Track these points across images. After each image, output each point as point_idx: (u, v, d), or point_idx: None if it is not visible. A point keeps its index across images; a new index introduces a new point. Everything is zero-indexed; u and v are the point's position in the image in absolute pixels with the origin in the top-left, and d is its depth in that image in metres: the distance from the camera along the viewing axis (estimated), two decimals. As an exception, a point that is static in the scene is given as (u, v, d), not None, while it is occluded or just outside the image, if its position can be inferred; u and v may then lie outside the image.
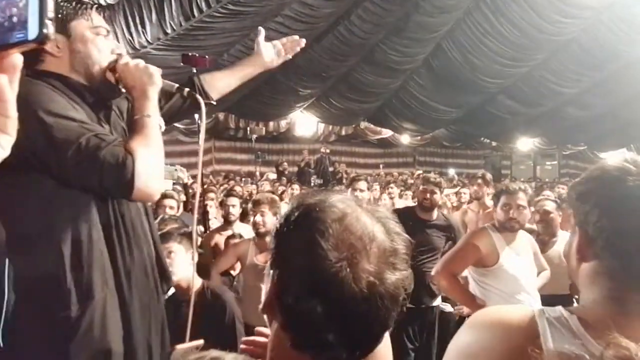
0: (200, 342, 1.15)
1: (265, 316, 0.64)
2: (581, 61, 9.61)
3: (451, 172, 14.48)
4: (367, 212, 0.59)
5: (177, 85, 1.24)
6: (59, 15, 1.07)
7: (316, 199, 0.60)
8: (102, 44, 1.14)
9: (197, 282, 1.89)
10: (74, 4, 1.13)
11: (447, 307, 3.09)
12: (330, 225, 0.56)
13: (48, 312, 1.00)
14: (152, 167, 1.03)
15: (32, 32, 0.34)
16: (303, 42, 1.55)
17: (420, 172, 13.64)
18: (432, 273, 2.26)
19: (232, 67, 1.56)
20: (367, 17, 8.40)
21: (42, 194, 1.01)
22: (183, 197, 4.52)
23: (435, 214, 3.09)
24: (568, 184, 8.00)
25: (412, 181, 11.01)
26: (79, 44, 1.10)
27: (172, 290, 1.96)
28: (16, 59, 0.36)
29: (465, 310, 2.37)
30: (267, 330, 0.78)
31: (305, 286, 0.55)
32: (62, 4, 1.10)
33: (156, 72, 1.15)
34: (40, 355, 1.00)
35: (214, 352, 0.67)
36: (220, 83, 1.49)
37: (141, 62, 1.15)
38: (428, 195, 3.02)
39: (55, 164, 0.98)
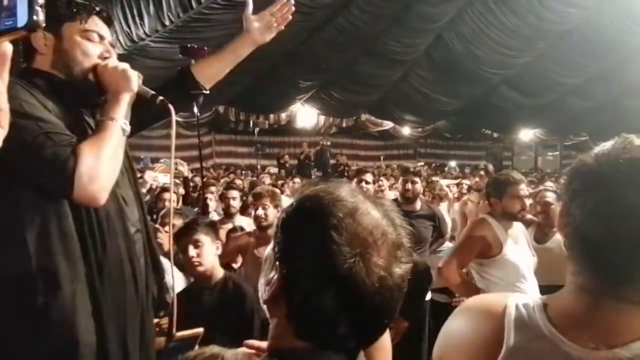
0: (200, 330, 1.15)
1: (266, 307, 0.64)
2: (583, 51, 9.53)
3: (452, 163, 14.46)
4: (375, 205, 0.60)
5: (152, 92, 1.22)
6: (53, 15, 1.07)
7: (324, 192, 0.59)
8: (89, 48, 1.14)
9: (220, 273, 1.93)
10: (71, 6, 1.13)
11: (442, 298, 3.09)
12: (343, 220, 0.56)
13: (15, 303, 1.02)
14: (97, 170, 1.01)
15: (22, 19, 0.33)
16: (292, 3, 1.46)
17: (422, 163, 13.63)
18: (440, 265, 2.26)
19: (222, 50, 1.47)
20: (366, 8, 8.32)
21: (12, 186, 1.02)
22: (182, 191, 4.50)
23: (418, 204, 3.05)
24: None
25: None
26: (65, 45, 1.12)
27: (183, 281, 1.98)
28: (6, 47, 0.35)
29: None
30: (256, 343, 0.80)
31: (318, 281, 0.55)
32: (58, 3, 1.11)
33: (134, 77, 1.14)
34: (9, 345, 1.01)
35: (216, 348, 0.67)
36: (211, 70, 1.44)
37: (121, 65, 1.14)
38: (409, 186, 2.97)
39: (10, 160, 0.97)
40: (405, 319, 2.26)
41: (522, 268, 2.20)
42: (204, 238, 1.88)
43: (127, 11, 5.89)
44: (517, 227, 2.32)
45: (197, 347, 1.14)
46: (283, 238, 0.60)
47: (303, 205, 0.59)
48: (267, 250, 1.84)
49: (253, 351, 0.78)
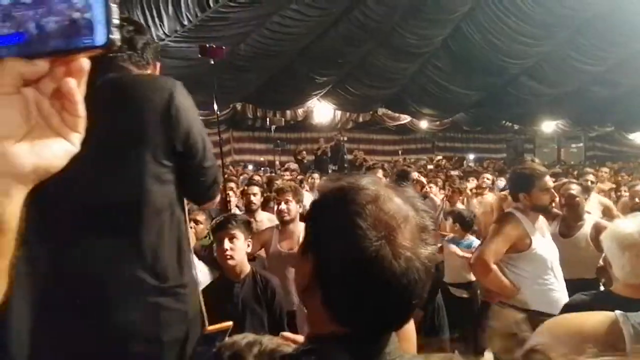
0: (230, 323, 1.19)
1: (300, 297, 0.67)
2: (605, 39, 9.24)
3: (471, 157, 14.24)
4: (397, 192, 0.63)
5: None
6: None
7: (347, 182, 0.63)
8: None
9: (247, 268, 2.00)
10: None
11: (463, 293, 3.07)
12: (366, 206, 0.59)
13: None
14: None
15: (100, 38, 0.37)
16: None
17: (440, 157, 13.47)
18: (471, 262, 2.25)
19: None
20: (382, 0, 8.25)
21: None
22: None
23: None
24: (595, 167, 7.76)
25: (431, 167, 10.88)
26: None
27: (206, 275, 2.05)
28: (84, 62, 0.39)
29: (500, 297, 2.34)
30: (291, 335, 0.83)
31: (348, 266, 0.58)
32: None
33: None
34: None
35: (251, 335, 0.69)
36: None
37: None
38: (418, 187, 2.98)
39: (197, 160, 1.16)
40: (420, 308, 2.27)
41: (550, 261, 2.17)
42: (239, 234, 1.94)
43: (147, 12, 6.00)
44: (541, 219, 2.29)
45: (226, 339, 1.18)
46: (311, 229, 0.64)
47: (327, 196, 0.63)
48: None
49: (282, 340, 0.80)
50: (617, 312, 0.66)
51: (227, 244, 1.90)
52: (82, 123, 0.41)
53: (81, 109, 0.40)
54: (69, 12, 0.37)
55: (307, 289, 0.62)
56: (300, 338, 0.81)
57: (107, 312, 1.06)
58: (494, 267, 2.14)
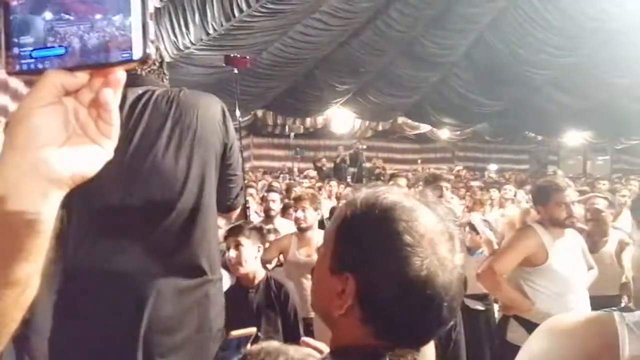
0: (253, 329, 1.20)
1: (317, 314, 0.65)
2: (634, 50, 8.99)
3: (493, 167, 13.99)
4: (421, 202, 0.62)
5: None
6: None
7: (378, 199, 0.61)
8: None
9: (262, 273, 2.00)
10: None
11: (477, 305, 3.01)
12: (409, 222, 0.58)
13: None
14: None
15: (137, 53, 0.40)
16: None
17: (460, 167, 13.29)
18: (478, 272, 2.21)
19: None
20: (406, 11, 8.27)
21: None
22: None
23: None
24: (622, 180, 7.50)
25: (450, 177, 10.73)
26: None
27: (228, 280, 2.09)
28: (120, 74, 0.42)
29: (512, 309, 2.30)
30: (312, 342, 0.82)
31: (398, 284, 0.57)
32: None
33: None
34: None
35: (275, 343, 0.69)
36: None
37: None
38: (437, 193, 2.89)
39: (232, 167, 1.28)
40: None
41: (573, 280, 2.09)
42: (245, 241, 1.93)
43: (174, 21, 6.18)
44: (572, 236, 2.20)
45: (249, 345, 1.19)
46: (349, 248, 0.60)
47: (363, 214, 0.61)
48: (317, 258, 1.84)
49: (309, 349, 0.78)
50: (616, 313, 0.64)
51: (232, 251, 1.91)
52: (116, 131, 0.42)
53: (115, 118, 0.42)
54: (110, 29, 0.40)
55: (347, 311, 0.59)
56: (322, 346, 0.80)
57: (161, 303, 1.13)
58: (501, 279, 2.10)
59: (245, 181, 5.01)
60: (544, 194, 2.15)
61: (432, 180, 3.09)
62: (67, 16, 0.40)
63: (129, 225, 1.12)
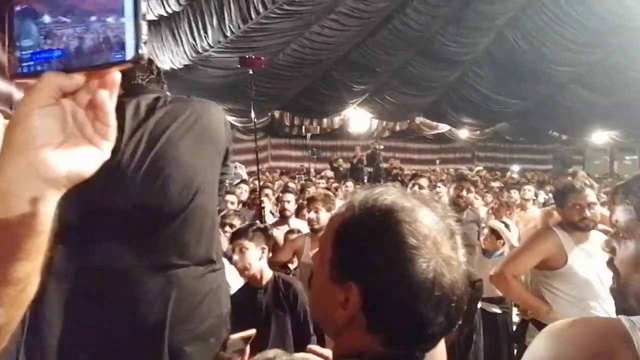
0: (253, 331, 1.20)
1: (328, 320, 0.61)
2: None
3: (515, 168, 13.68)
4: (420, 200, 0.60)
5: None
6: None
7: (375, 199, 0.59)
8: None
9: (269, 273, 2.01)
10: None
11: (494, 308, 2.95)
12: (411, 223, 0.56)
13: None
14: None
15: (130, 53, 0.40)
16: None
17: (480, 168, 13.06)
18: (491, 273, 2.15)
19: None
20: (423, 9, 8.19)
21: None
22: (246, 194, 4.65)
23: (465, 212, 2.90)
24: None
25: (476, 179, 10.53)
26: None
27: (238, 282, 2.11)
28: (115, 75, 0.43)
29: (530, 313, 2.24)
30: (319, 349, 0.79)
31: (405, 289, 0.55)
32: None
33: None
34: None
35: (270, 353, 0.67)
36: None
37: None
38: (464, 193, 2.81)
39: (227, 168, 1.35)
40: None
41: (596, 284, 1.98)
42: (248, 243, 1.93)
43: (193, 25, 6.28)
44: (596, 238, 2.11)
45: (248, 347, 1.21)
46: (350, 254, 0.57)
47: (363, 216, 0.58)
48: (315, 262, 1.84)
49: (315, 357, 0.76)
50: (622, 317, 0.61)
51: (236, 254, 1.92)
52: (113, 132, 0.43)
53: (112, 119, 0.42)
54: (104, 30, 0.40)
55: (351, 319, 0.57)
56: (327, 352, 0.78)
57: (182, 294, 1.18)
58: (513, 281, 2.04)
59: (262, 182, 5.05)
60: (562, 196, 2.07)
61: (456, 180, 3.03)
62: (64, 19, 0.41)
63: (149, 223, 1.17)
